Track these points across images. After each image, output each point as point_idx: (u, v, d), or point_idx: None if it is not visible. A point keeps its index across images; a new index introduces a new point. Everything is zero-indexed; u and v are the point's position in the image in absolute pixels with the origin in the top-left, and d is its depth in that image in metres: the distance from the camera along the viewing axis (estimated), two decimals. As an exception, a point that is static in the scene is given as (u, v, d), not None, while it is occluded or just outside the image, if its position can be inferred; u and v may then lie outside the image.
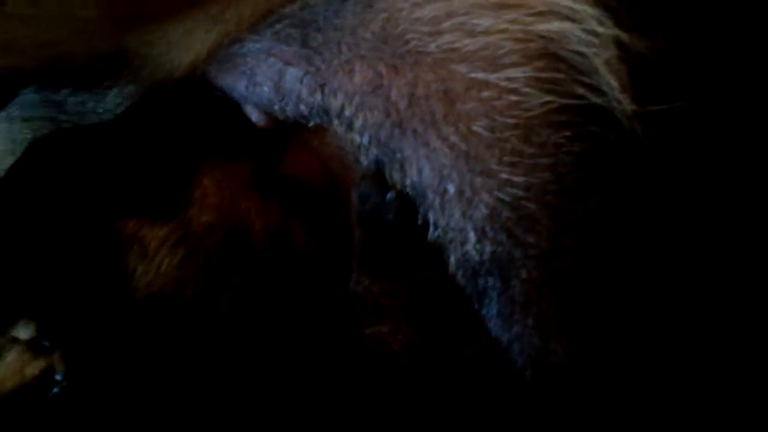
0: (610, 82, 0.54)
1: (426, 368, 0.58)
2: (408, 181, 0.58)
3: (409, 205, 0.59)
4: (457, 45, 0.55)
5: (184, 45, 0.62)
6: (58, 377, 0.56)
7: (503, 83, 0.55)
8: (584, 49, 0.54)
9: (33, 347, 0.57)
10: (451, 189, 0.57)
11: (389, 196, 0.59)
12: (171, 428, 0.57)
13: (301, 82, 0.60)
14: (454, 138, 0.56)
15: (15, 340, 0.57)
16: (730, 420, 0.55)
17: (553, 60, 0.54)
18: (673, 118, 0.54)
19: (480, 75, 0.55)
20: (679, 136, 0.54)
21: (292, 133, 0.64)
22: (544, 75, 0.54)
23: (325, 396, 0.58)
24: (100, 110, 0.67)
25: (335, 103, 0.59)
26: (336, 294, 0.61)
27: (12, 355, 0.57)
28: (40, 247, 0.59)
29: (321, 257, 0.63)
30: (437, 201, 0.57)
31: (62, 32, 0.61)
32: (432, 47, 0.56)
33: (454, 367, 0.58)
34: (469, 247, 0.57)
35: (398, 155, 0.58)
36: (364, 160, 0.60)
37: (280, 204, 0.63)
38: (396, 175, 0.58)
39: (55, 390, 0.56)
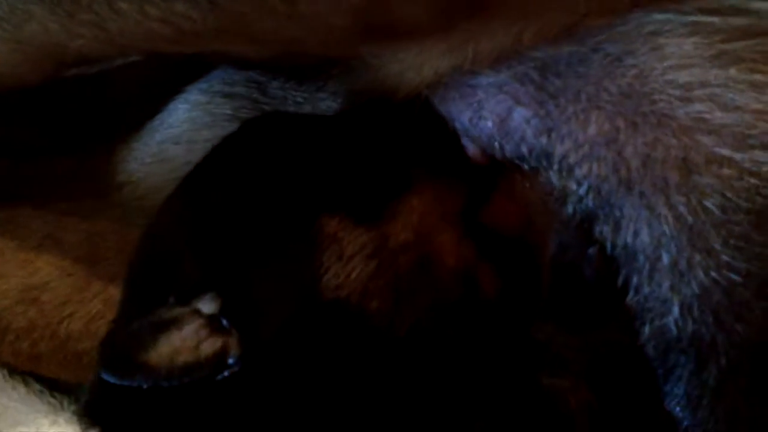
0: None
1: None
2: (620, 240, 0.57)
3: (609, 263, 0.57)
4: (707, 116, 0.54)
5: (413, 66, 0.62)
6: (230, 361, 0.54)
7: (747, 164, 0.54)
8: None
9: (212, 324, 0.55)
10: (666, 259, 0.55)
11: (591, 250, 0.58)
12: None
13: (528, 123, 0.59)
14: (682, 209, 0.55)
15: (197, 313, 0.55)
16: None
17: (805, 152, 0.53)
18: None
19: (725, 151, 0.54)
20: None
21: (501, 174, 0.63)
22: (792, 165, 0.53)
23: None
24: (301, 100, 0.67)
25: (560, 149, 0.58)
26: (513, 343, 0.60)
27: (191, 328, 0.55)
28: (243, 226, 0.58)
29: (504, 307, 0.61)
30: (647, 267, 0.56)
31: (308, 33, 0.61)
32: (680, 113, 0.55)
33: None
34: (669, 320, 0.55)
35: (617, 212, 0.57)
36: (571, 210, 0.59)
37: (475, 246, 0.62)
38: (606, 231, 0.57)
39: (225, 373, 0.54)
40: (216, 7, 0.58)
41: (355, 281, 0.56)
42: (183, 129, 0.71)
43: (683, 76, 0.55)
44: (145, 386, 0.53)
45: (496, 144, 0.61)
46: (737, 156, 0.54)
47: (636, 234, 0.56)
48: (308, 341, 0.56)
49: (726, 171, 0.54)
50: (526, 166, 0.61)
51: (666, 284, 0.55)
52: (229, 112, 0.69)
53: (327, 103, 0.67)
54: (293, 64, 0.66)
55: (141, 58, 0.66)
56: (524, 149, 0.60)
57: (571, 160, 0.58)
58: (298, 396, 0.55)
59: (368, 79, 0.63)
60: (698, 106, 0.54)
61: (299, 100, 0.67)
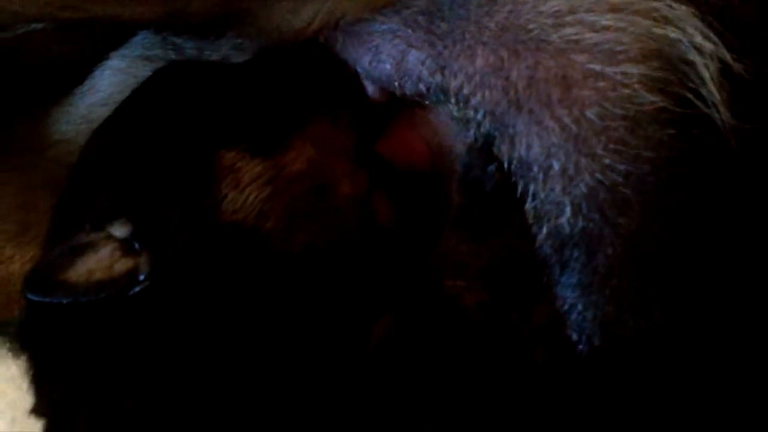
0: (713, 93, 0.60)
1: (493, 326, 0.61)
2: (516, 154, 0.62)
3: (507, 178, 0.63)
4: (578, 37, 0.61)
5: (296, 12, 0.66)
6: (141, 277, 0.57)
7: (618, 77, 0.60)
8: (694, 58, 0.60)
9: (125, 247, 0.58)
10: (556, 166, 0.61)
11: (491, 168, 0.63)
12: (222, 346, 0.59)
13: (423, 63, 0.65)
14: (566, 120, 0.60)
15: (110, 237, 0.58)
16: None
17: (665, 63, 0.60)
18: (763, 136, 0.60)
19: (597, 67, 0.60)
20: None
21: (399, 110, 0.68)
22: (656, 75, 0.60)
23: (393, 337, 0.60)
24: (215, 57, 0.71)
25: (454, 83, 0.64)
26: (417, 255, 0.64)
27: (105, 251, 0.58)
28: (151, 159, 0.62)
29: (403, 229, 0.66)
30: (541, 175, 0.61)
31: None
32: (554, 37, 0.61)
33: (520, 329, 0.61)
34: (563, 220, 0.60)
35: (510, 130, 0.62)
36: (473, 135, 0.64)
37: (370, 177, 0.66)
38: (504, 148, 0.62)
39: (137, 289, 0.57)
40: None
41: (250, 205, 0.61)
42: (109, 92, 0.75)
43: (552, 6, 0.62)
44: (64, 302, 0.57)
45: (396, 84, 0.66)
46: (609, 70, 0.60)
47: (529, 147, 0.61)
48: (210, 258, 0.60)
49: (601, 84, 0.60)
50: (427, 102, 0.66)
51: (558, 188, 0.61)
52: (149, 74, 0.71)
53: (238, 59, 0.71)
54: (187, 23, 0.69)
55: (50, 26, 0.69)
56: (422, 87, 0.65)
57: (466, 91, 0.63)
58: (201, 307, 0.59)
59: (262, 28, 0.68)
60: (570, 30, 0.61)
61: (214, 57, 0.72)
